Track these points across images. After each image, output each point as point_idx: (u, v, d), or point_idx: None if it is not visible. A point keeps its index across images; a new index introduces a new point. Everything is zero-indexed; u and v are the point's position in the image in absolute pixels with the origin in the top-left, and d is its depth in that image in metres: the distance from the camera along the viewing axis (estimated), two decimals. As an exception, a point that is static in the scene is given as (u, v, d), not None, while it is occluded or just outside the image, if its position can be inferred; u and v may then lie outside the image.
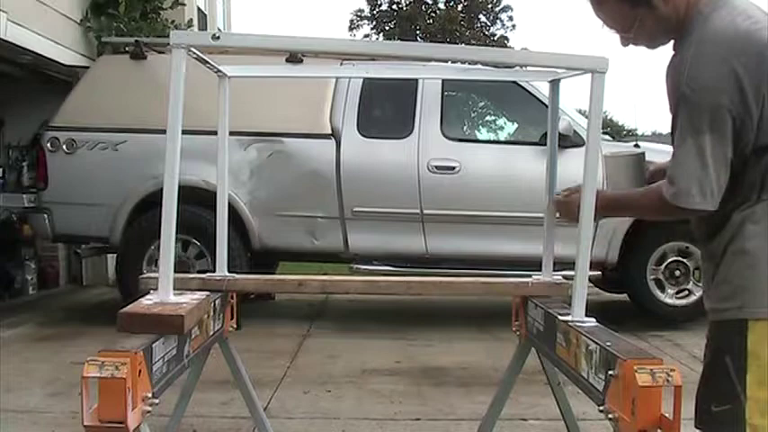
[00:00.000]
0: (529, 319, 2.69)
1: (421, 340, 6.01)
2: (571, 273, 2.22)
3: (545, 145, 2.75)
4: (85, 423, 1.71)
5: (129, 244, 6.21)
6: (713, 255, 1.96)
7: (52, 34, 7.75)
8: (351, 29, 36.37)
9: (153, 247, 5.90)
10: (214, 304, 2.57)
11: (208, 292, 2.50)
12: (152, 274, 2.52)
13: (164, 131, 2.07)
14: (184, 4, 10.10)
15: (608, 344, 1.89)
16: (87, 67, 7.33)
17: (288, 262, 7.40)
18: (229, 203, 3.03)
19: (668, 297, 6.29)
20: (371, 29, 36.11)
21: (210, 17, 13.42)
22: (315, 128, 6.32)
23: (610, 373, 1.81)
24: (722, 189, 1.87)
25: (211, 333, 2.57)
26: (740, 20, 1.86)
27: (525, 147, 6.34)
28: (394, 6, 35.95)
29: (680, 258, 6.20)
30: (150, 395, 1.85)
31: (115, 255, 6.76)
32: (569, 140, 5.62)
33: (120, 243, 6.28)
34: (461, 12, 34.75)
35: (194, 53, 2.24)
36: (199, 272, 5.32)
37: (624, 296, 6.80)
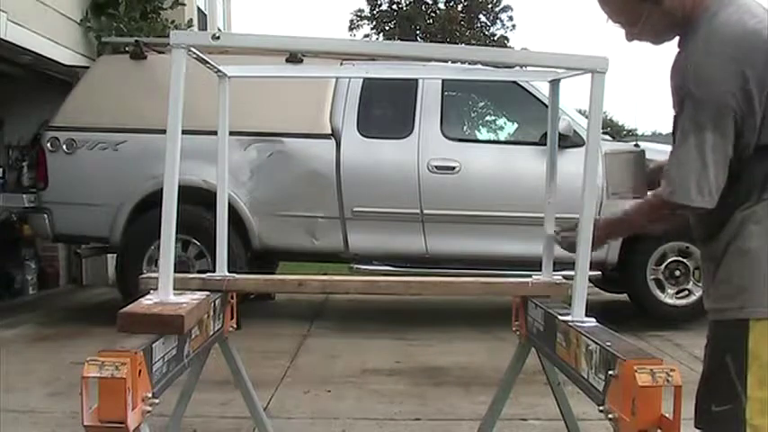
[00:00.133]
0: (529, 319, 2.69)
1: (421, 340, 6.01)
2: (571, 273, 2.22)
3: (545, 145, 2.76)
4: (85, 423, 1.71)
5: (129, 244, 6.21)
6: (714, 255, 1.96)
7: (52, 34, 7.74)
8: (351, 29, 36.41)
9: (153, 247, 5.89)
10: (214, 304, 2.57)
11: (208, 292, 2.50)
12: (152, 274, 2.52)
13: (164, 131, 2.07)
14: (184, 4, 10.10)
15: (608, 344, 1.89)
16: (87, 67, 7.32)
17: (288, 262, 7.40)
18: (229, 203, 3.04)
19: (668, 297, 6.29)
20: (371, 29, 36.13)
21: (210, 17, 13.41)
22: (315, 128, 6.32)
23: (610, 373, 1.81)
24: (720, 188, 1.87)
25: (211, 333, 2.57)
26: (747, 18, 1.86)
27: (525, 147, 6.34)
28: (394, 6, 35.94)
29: (680, 258, 6.20)
30: (150, 395, 1.85)
31: (115, 255, 6.76)
32: (569, 140, 5.63)
33: (120, 243, 6.28)
34: (461, 12, 34.74)
35: (194, 53, 2.24)
36: (199, 272, 5.33)
37: (624, 296, 6.80)
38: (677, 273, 6.23)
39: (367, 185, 6.24)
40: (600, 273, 6.15)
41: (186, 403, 2.92)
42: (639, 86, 45.77)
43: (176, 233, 2.14)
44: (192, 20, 10.97)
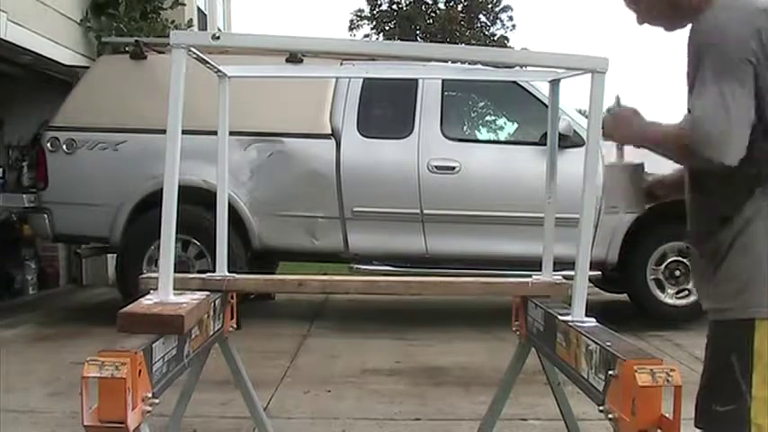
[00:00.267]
0: (529, 319, 2.69)
1: (421, 340, 6.01)
2: (571, 273, 2.22)
3: (545, 145, 2.76)
4: (85, 423, 1.71)
5: (129, 244, 6.21)
6: (714, 253, 1.93)
7: (52, 34, 7.74)
8: (351, 29, 36.37)
9: (153, 247, 5.89)
10: (214, 304, 2.57)
11: (208, 292, 2.50)
12: (152, 274, 2.52)
13: (163, 131, 2.08)
14: (184, 4, 10.10)
15: (608, 344, 1.89)
16: (87, 67, 7.32)
17: (288, 262, 7.40)
18: (229, 203, 3.04)
19: (668, 297, 6.29)
20: (371, 29, 36.10)
21: (210, 17, 13.41)
22: (315, 128, 6.32)
23: (610, 373, 1.81)
24: (744, 145, 1.80)
25: (211, 333, 2.57)
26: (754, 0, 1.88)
27: (525, 147, 6.34)
28: (394, 6, 35.92)
29: (680, 258, 6.19)
30: (150, 395, 1.85)
31: (115, 255, 6.76)
32: (569, 140, 5.62)
33: (120, 243, 6.28)
34: (461, 12, 34.73)
35: (194, 53, 2.24)
36: (199, 272, 5.33)
37: (624, 296, 6.80)
38: (677, 273, 6.23)
39: (367, 185, 6.24)
40: (600, 273, 6.15)
41: (186, 403, 2.92)
42: (639, 86, 45.78)
43: (176, 233, 2.14)
44: (191, 20, 10.97)
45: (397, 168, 6.27)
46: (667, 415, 1.69)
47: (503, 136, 7.85)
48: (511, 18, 35.56)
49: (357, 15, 36.23)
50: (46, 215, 6.38)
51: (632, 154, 2.19)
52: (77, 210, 6.32)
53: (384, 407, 4.25)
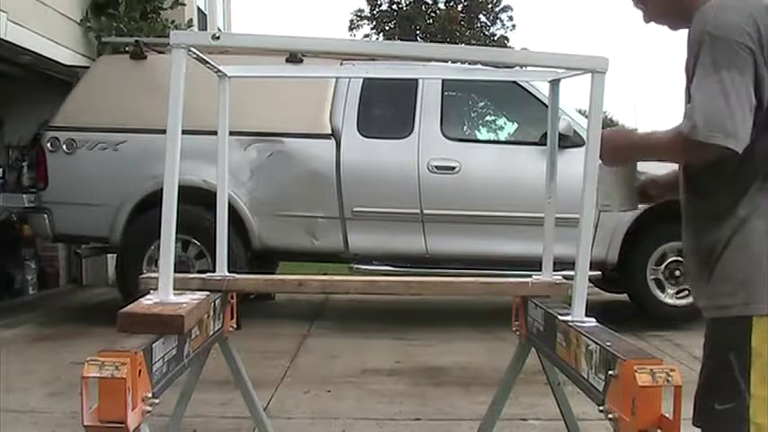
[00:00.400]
0: (529, 319, 2.69)
1: (421, 340, 6.01)
2: (571, 273, 2.21)
3: (545, 145, 2.75)
4: (85, 423, 1.71)
5: (129, 244, 6.21)
6: (710, 252, 1.93)
7: (52, 34, 7.74)
8: (351, 29, 36.40)
9: (153, 247, 5.89)
10: (214, 304, 2.57)
11: (208, 292, 2.50)
12: (152, 274, 2.52)
13: (163, 131, 2.07)
14: (184, 4, 10.10)
15: (608, 344, 1.89)
16: (87, 67, 7.32)
17: (288, 262, 7.40)
18: (229, 203, 3.03)
19: (668, 297, 6.29)
20: (371, 29, 36.12)
21: (210, 17, 13.40)
22: (315, 128, 6.32)
23: (610, 373, 1.81)
24: (747, 132, 1.78)
25: (211, 333, 2.57)
26: None
27: (525, 147, 6.34)
28: (394, 6, 35.94)
29: (680, 258, 6.18)
30: (150, 395, 1.84)
31: (115, 255, 6.76)
32: (569, 140, 5.63)
33: (120, 243, 6.28)
34: (461, 12, 34.74)
35: (194, 53, 2.24)
36: (199, 272, 5.33)
37: (624, 296, 6.80)
38: (677, 273, 6.23)
39: (367, 185, 6.24)
40: (600, 273, 6.15)
41: (186, 403, 2.92)
42: (639, 86, 45.79)
43: (176, 233, 2.14)
44: (192, 20, 10.97)
45: (397, 168, 6.27)
46: (667, 415, 1.69)
47: (503, 136, 7.84)
48: (511, 18, 35.64)
49: (357, 15, 36.27)
50: (46, 215, 6.38)
51: None
52: (77, 210, 6.32)
53: (384, 407, 4.25)
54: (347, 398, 4.44)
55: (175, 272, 2.19)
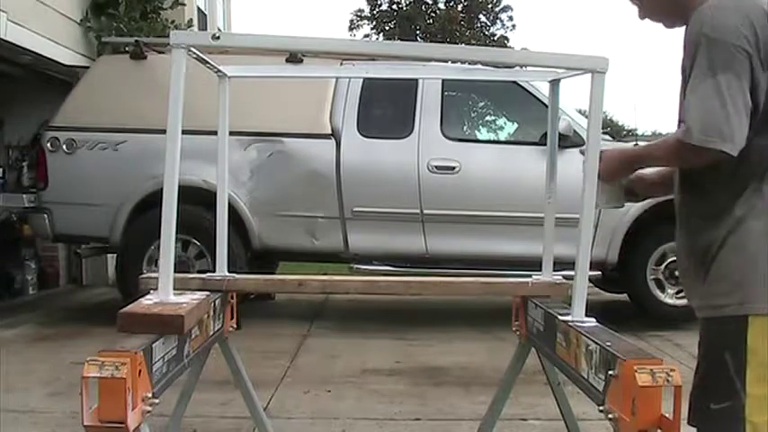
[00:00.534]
0: (529, 319, 2.69)
1: (421, 340, 6.01)
2: (571, 273, 2.22)
3: (545, 145, 2.76)
4: (85, 423, 1.71)
5: (129, 244, 6.21)
6: (705, 252, 1.93)
7: (52, 34, 7.74)
8: (351, 29, 36.39)
9: (153, 247, 5.89)
10: (214, 304, 2.57)
11: (208, 292, 2.50)
12: (152, 274, 2.52)
13: (163, 131, 2.07)
14: (184, 4, 10.10)
15: (608, 344, 1.89)
16: (87, 67, 7.32)
17: (288, 262, 7.40)
18: (229, 203, 3.03)
19: (668, 297, 6.29)
20: (371, 29, 36.12)
21: (210, 17, 13.40)
22: (315, 128, 6.32)
23: (610, 373, 1.81)
24: (743, 135, 1.79)
25: (211, 333, 2.57)
26: None
27: (525, 147, 6.34)
28: (394, 6, 35.93)
29: (679, 258, 6.19)
30: (150, 395, 1.84)
31: (115, 255, 6.76)
32: (569, 140, 5.63)
33: (120, 243, 6.28)
34: (461, 12, 34.74)
35: (194, 53, 2.24)
36: (199, 272, 5.33)
37: (624, 296, 6.80)
38: (677, 273, 6.22)
39: (367, 185, 6.24)
40: (600, 273, 6.15)
41: (186, 403, 2.92)
42: (639, 86, 45.77)
43: (176, 233, 2.14)
44: (192, 20, 10.97)
45: (397, 168, 6.27)
46: (667, 415, 1.69)
47: (503, 136, 7.84)
48: (511, 18, 35.64)
49: (357, 15, 36.27)
50: (46, 215, 6.38)
51: None
52: (77, 210, 6.32)
53: (384, 407, 4.25)
54: (347, 398, 4.44)
55: (175, 272, 2.19)
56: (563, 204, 2.67)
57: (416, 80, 6.33)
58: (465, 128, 7.72)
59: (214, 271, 2.80)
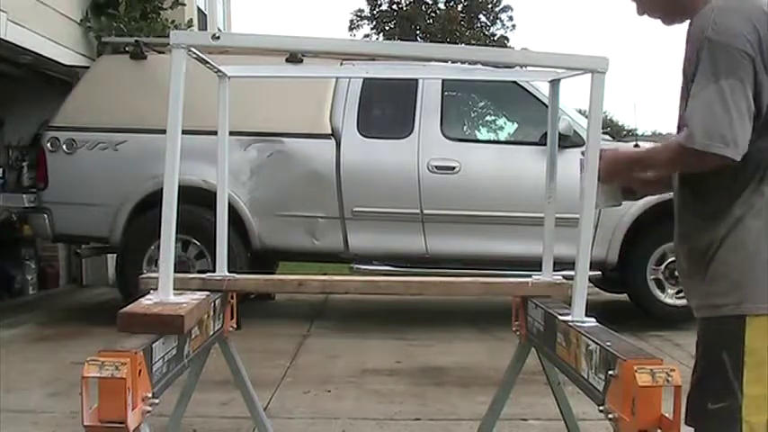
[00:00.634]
0: (529, 319, 2.69)
1: (421, 340, 6.01)
2: (571, 273, 2.22)
3: (545, 145, 2.76)
4: (85, 423, 1.71)
5: (129, 244, 6.21)
6: (704, 251, 1.93)
7: (52, 34, 7.74)
8: (351, 29, 36.39)
9: (153, 247, 5.89)
10: (214, 304, 2.57)
11: (208, 292, 2.50)
12: (152, 274, 2.52)
13: (163, 131, 2.07)
14: (184, 4, 10.10)
15: (608, 344, 1.89)
16: (87, 67, 7.32)
17: (288, 262, 7.40)
18: (229, 203, 3.03)
19: (668, 297, 6.29)
20: (371, 29, 36.11)
21: (210, 17, 13.40)
22: (315, 128, 6.32)
23: (610, 373, 1.81)
24: (746, 140, 1.79)
25: (211, 333, 2.57)
26: None
27: (525, 147, 6.33)
28: (394, 6, 35.93)
29: (680, 258, 6.18)
30: (150, 395, 1.84)
31: (115, 255, 6.76)
32: (569, 140, 5.62)
33: (120, 243, 6.28)
34: (461, 12, 34.73)
35: (194, 53, 2.24)
36: (199, 272, 5.32)
37: (624, 296, 6.80)
38: (677, 272, 6.21)
39: (367, 185, 6.24)
40: (600, 273, 6.15)
41: (186, 403, 2.92)
42: (639, 86, 45.79)
43: (176, 233, 2.14)
44: (192, 20, 10.96)
45: (397, 168, 6.27)
46: (667, 415, 1.69)
47: (503, 136, 7.84)
48: (511, 18, 35.63)
49: (357, 15, 36.26)
50: (46, 215, 6.38)
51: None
52: (77, 210, 6.32)
53: (384, 407, 4.25)
54: (347, 398, 4.44)
55: (175, 272, 2.19)
56: (563, 204, 2.67)
57: (416, 80, 6.33)
58: (465, 128, 7.72)
59: (214, 271, 2.80)
